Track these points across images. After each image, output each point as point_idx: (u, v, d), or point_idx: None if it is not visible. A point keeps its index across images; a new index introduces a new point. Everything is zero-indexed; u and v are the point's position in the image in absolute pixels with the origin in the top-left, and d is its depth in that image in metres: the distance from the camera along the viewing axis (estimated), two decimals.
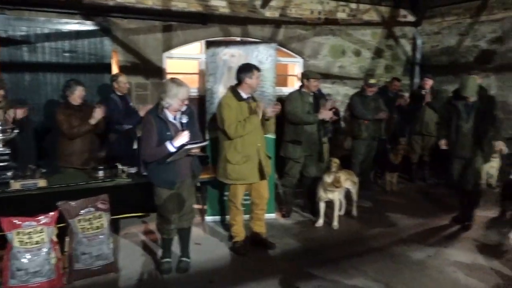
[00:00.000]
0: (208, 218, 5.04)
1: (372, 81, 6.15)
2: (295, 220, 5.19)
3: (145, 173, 3.99)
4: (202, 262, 3.94)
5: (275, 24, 7.03)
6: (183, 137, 3.40)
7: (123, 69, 6.07)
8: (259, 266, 3.91)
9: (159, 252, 3.98)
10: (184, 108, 3.54)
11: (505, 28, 6.97)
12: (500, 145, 4.75)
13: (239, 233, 4.23)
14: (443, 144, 5.03)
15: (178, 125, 3.54)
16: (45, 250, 3.30)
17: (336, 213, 4.94)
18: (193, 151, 3.52)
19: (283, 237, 4.60)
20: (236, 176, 4.02)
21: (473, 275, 3.67)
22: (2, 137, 3.66)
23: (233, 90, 4.04)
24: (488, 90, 6.66)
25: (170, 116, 3.51)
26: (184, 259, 3.85)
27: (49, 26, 5.39)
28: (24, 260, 3.23)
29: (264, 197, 4.22)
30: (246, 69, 4.01)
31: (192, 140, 3.46)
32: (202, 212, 5.04)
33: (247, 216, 4.41)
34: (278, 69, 6.37)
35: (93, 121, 4.40)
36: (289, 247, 4.36)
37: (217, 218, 5.07)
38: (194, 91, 6.57)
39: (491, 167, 6.52)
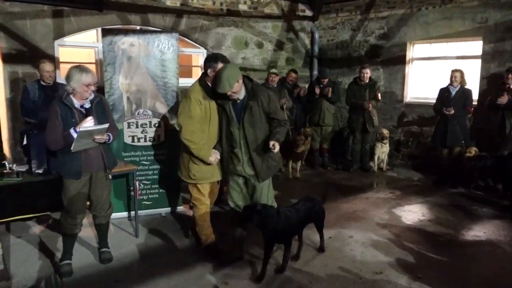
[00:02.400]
0: (112, 215, 4.79)
1: (273, 70, 6.43)
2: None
3: (38, 171, 3.69)
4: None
5: (177, 13, 6.88)
6: (87, 122, 3.29)
7: (7, 57, 5.49)
8: (166, 261, 3.83)
9: (58, 255, 3.71)
10: (91, 96, 3.42)
11: (390, 25, 7.65)
12: None
13: (210, 234, 3.96)
14: None
15: (85, 112, 3.39)
16: None
17: None
18: (97, 138, 3.33)
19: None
20: (201, 175, 3.78)
21: (368, 252, 4.01)
22: None
23: (202, 82, 3.69)
24: (377, 81, 7.30)
25: (76, 103, 3.36)
26: (104, 249, 3.79)
27: None
28: None
29: (215, 193, 4.15)
30: (210, 59, 3.67)
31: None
32: None
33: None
34: (182, 60, 6.27)
35: None
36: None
37: (123, 214, 4.86)
38: None
39: (382, 152, 7.17)
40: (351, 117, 7.22)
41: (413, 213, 5.12)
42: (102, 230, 3.81)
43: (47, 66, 4.67)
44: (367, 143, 7.20)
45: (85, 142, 3.31)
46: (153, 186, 4.97)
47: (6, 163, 3.77)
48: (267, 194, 3.79)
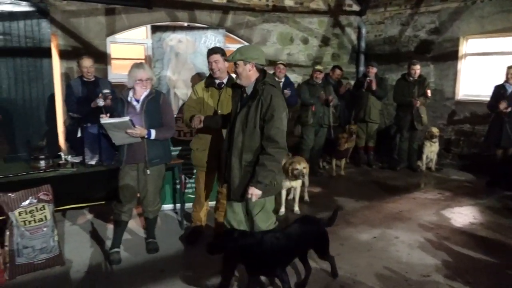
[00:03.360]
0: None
1: (318, 67, 6.36)
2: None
3: (91, 162, 3.86)
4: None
5: (223, 10, 6.95)
6: (104, 117, 3.40)
7: (64, 53, 5.77)
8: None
9: (109, 243, 3.87)
10: (147, 92, 3.53)
11: (442, 19, 7.35)
12: None
13: (195, 220, 4.17)
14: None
15: (138, 107, 3.52)
16: None
17: (297, 199, 5.01)
18: (128, 131, 3.37)
19: None
20: (195, 162, 4.00)
21: (414, 254, 3.89)
22: None
23: (208, 75, 3.92)
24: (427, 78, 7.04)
25: (130, 97, 3.54)
26: (151, 240, 3.91)
27: None
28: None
29: (209, 188, 4.12)
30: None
31: (153, 126, 3.52)
32: None
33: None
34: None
35: None
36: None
37: (170, 206, 4.99)
38: None
39: (431, 151, 6.92)
40: (399, 114, 7.01)
41: (463, 215, 4.91)
42: (149, 223, 3.92)
43: (85, 62, 4.84)
44: (415, 141, 6.97)
45: (122, 135, 3.40)
46: None
47: (62, 154, 3.97)
48: (260, 217, 3.03)
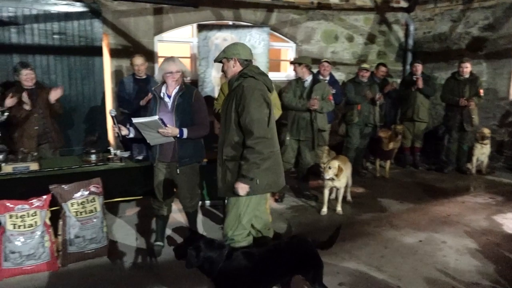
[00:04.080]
0: (206, 202, 5.05)
1: (364, 65, 6.22)
2: (288, 204, 5.22)
3: (138, 157, 3.98)
4: None
5: (268, 8, 6.96)
6: (135, 118, 3.38)
7: (114, 52, 5.98)
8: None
9: (154, 236, 3.99)
10: (177, 87, 3.48)
11: (497, 15, 6.99)
12: None
13: None
14: None
15: (170, 103, 3.51)
16: (38, 233, 3.28)
17: (340, 199, 4.95)
18: (160, 131, 3.36)
19: (275, 222, 4.61)
20: None
21: (462, 260, 3.73)
22: None
23: None
24: (479, 77, 6.72)
25: (162, 92, 3.52)
26: None
27: (37, 7, 5.27)
28: (18, 243, 3.20)
29: None
30: None
31: (185, 123, 3.46)
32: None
33: None
34: (271, 54, 6.34)
35: (27, 106, 4.20)
36: (281, 231, 4.37)
37: (215, 202, 5.06)
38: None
39: (482, 153, 6.62)
40: (448, 115, 6.74)
41: None
42: (189, 217, 3.96)
43: (136, 60, 5.01)
44: (464, 143, 6.67)
45: (155, 135, 3.41)
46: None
47: (111, 149, 4.13)
48: (229, 220, 2.96)
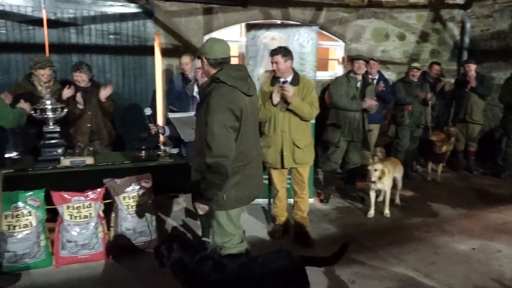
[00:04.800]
0: None
1: (415, 64, 6.00)
2: (333, 205, 5.16)
3: (185, 154, 4.07)
4: None
5: (317, 7, 6.89)
6: (171, 113, 3.41)
7: (165, 51, 6.15)
8: (297, 249, 3.91)
9: (200, 231, 4.07)
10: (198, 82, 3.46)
11: None
12: None
13: (279, 216, 4.21)
14: None
15: (197, 98, 3.53)
16: (92, 224, 3.44)
17: (387, 202, 4.83)
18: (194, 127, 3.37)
19: (320, 222, 4.58)
20: (265, 158, 3.99)
21: None
22: (52, 116, 3.80)
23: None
24: None
25: (194, 90, 3.56)
26: None
27: (95, 9, 5.51)
28: (74, 233, 3.38)
29: (302, 185, 4.08)
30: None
31: None
32: None
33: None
34: (319, 53, 6.27)
35: (80, 106, 4.36)
36: (326, 233, 4.34)
37: (264, 200, 5.09)
38: None
39: None
40: (506, 117, 6.37)
41: None
42: None
43: (184, 59, 5.15)
44: None
45: (190, 132, 3.43)
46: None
47: (161, 146, 4.25)
48: (216, 231, 2.78)
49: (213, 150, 2.42)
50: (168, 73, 6.18)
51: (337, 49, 7.37)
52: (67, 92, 4.27)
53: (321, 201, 5.24)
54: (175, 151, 4.26)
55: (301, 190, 4.09)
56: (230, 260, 2.49)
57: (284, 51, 3.75)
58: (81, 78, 4.46)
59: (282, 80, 3.83)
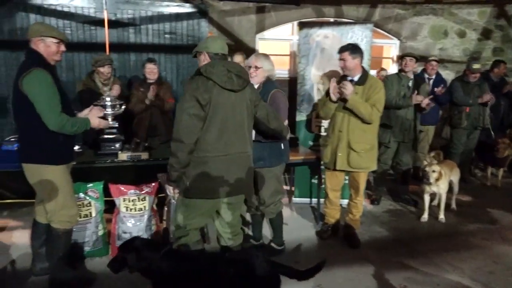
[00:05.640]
0: (296, 200, 5.08)
1: (475, 66, 5.64)
2: (384, 208, 5.02)
3: None
4: (289, 242, 3.97)
5: (371, 4, 6.73)
6: None
7: None
8: (345, 251, 3.85)
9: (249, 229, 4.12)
10: (257, 83, 3.34)
11: None
12: None
13: (328, 217, 4.16)
14: None
15: None
16: (146, 217, 3.57)
17: (442, 206, 4.63)
18: None
19: (371, 225, 4.48)
20: (322, 158, 4.01)
21: None
22: (111, 112, 3.98)
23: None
24: None
25: None
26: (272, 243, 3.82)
27: (152, 9, 5.72)
28: (129, 224, 3.52)
29: (357, 190, 3.92)
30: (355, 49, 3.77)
31: None
32: (290, 193, 5.08)
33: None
34: (373, 51, 6.12)
35: (147, 101, 4.59)
36: (377, 235, 4.24)
37: (305, 200, 5.07)
38: (284, 73, 6.58)
39: None
40: None
41: None
42: (271, 223, 3.73)
43: (236, 58, 5.19)
44: None
45: None
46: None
47: None
48: (175, 216, 2.88)
49: (173, 134, 2.58)
50: None
51: (391, 47, 7.16)
52: (151, 95, 4.56)
53: (372, 202, 5.12)
54: None
55: (355, 194, 3.97)
56: (196, 253, 2.54)
57: (353, 48, 3.66)
58: (154, 71, 4.67)
59: (349, 78, 3.72)
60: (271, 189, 3.47)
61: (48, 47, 2.79)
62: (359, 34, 4.95)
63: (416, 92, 4.77)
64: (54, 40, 2.80)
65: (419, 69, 5.86)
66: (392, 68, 7.05)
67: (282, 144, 3.41)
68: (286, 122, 3.37)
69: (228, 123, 2.65)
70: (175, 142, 2.57)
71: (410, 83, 4.84)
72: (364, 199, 5.05)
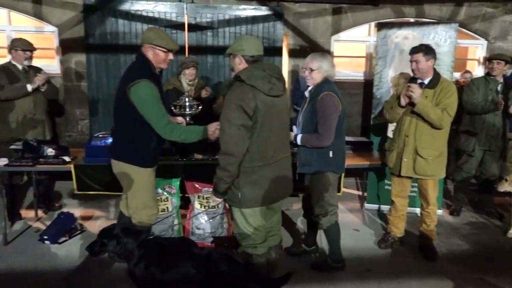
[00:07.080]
0: (368, 206, 4.95)
1: None
2: (465, 219, 4.71)
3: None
4: (360, 249, 3.88)
5: (456, 2, 6.34)
6: None
7: (292, 52, 6.27)
8: (420, 262, 3.67)
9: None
10: (311, 87, 3.26)
11: None
12: None
13: (390, 225, 3.97)
14: None
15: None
16: (219, 215, 3.68)
17: None
18: None
19: (449, 237, 4.23)
20: (388, 162, 3.80)
21: None
22: (189, 112, 4.14)
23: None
24: None
25: (307, 91, 3.36)
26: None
27: (229, 12, 5.86)
28: (203, 221, 3.66)
29: (426, 197, 3.70)
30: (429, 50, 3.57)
31: (306, 128, 3.24)
32: (362, 199, 4.95)
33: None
34: (457, 53, 5.77)
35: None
36: (456, 248, 3.99)
37: (375, 206, 4.92)
38: (359, 75, 6.42)
39: None
40: None
41: None
42: (326, 235, 3.50)
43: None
44: None
45: None
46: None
47: None
48: (234, 225, 2.89)
49: (221, 148, 2.52)
50: (294, 74, 6.29)
51: (477, 48, 6.70)
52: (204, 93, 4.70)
53: (451, 213, 4.82)
54: (294, 149, 4.30)
55: (426, 204, 3.75)
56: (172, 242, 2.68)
57: (426, 49, 3.47)
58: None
59: (419, 81, 3.53)
60: (318, 198, 3.32)
61: (156, 55, 2.85)
62: (442, 35, 4.71)
63: (504, 96, 4.42)
64: (163, 49, 2.85)
65: (508, 72, 5.41)
66: (478, 71, 6.60)
67: (330, 152, 3.18)
68: (330, 128, 3.10)
69: (274, 129, 2.61)
70: (225, 155, 2.52)
71: (499, 87, 4.48)
72: (442, 209, 4.82)
